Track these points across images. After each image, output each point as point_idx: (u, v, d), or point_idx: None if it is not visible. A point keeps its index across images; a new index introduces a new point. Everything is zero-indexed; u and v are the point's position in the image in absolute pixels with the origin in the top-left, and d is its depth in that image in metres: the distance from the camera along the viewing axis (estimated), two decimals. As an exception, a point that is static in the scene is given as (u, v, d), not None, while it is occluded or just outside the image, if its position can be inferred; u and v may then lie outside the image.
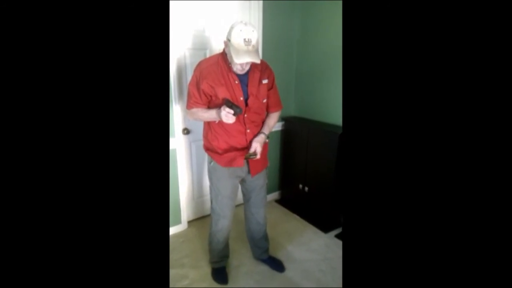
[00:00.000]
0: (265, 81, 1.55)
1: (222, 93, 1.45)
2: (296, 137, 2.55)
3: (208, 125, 1.61)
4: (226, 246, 1.90)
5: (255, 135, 1.59)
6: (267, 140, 1.63)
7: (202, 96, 1.49)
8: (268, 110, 1.66)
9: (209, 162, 1.67)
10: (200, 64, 1.51)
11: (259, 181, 1.75)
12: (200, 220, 2.51)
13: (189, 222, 2.46)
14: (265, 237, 1.97)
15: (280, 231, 2.38)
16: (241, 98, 1.48)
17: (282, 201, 2.84)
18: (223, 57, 1.46)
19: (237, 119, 1.44)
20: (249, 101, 1.50)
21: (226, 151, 1.58)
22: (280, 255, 2.09)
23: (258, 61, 1.35)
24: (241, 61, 1.32)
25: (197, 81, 1.48)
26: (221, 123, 1.45)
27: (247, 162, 1.61)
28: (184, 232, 2.36)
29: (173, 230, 2.33)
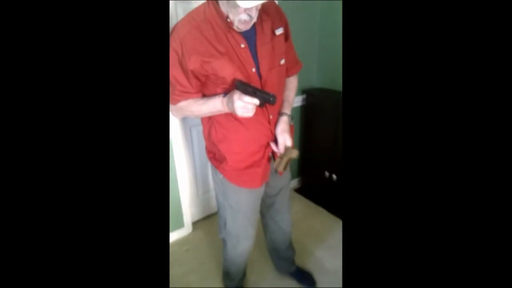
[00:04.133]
0: (279, 31, 1.00)
1: (224, 69, 0.92)
2: (321, 113, 2.04)
3: (209, 119, 1.08)
4: (246, 264, 1.48)
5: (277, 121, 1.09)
6: (291, 123, 1.14)
7: (193, 80, 0.95)
8: (287, 75, 1.13)
9: (216, 172, 1.18)
10: (177, 30, 0.92)
11: (285, 178, 1.29)
12: (207, 220, 2.09)
13: (194, 224, 2.04)
14: (291, 245, 1.55)
15: (304, 230, 1.95)
16: (253, 70, 0.96)
17: (303, 191, 2.39)
18: (215, 9, 0.90)
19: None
20: (263, 70, 0.98)
21: (244, 163, 1.08)
22: (308, 264, 1.68)
23: None
24: (250, 5, 0.78)
25: (179, 60, 0.92)
26: (231, 113, 0.95)
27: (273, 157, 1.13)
28: (188, 238, 1.94)
29: (174, 236, 1.91)
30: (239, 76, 0.94)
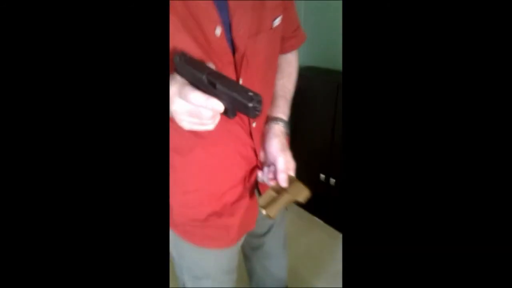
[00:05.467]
0: None
1: None
2: (314, 99, 1.58)
3: None
4: None
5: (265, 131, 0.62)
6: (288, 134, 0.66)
7: None
8: (282, 49, 0.66)
9: None
10: None
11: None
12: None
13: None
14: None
15: (298, 252, 1.53)
16: (218, 32, 0.46)
17: (293, 195, 1.95)
18: None
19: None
20: (238, 34, 0.49)
21: (204, 209, 0.61)
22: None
23: None
24: None
25: None
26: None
27: (258, 191, 0.66)
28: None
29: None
30: (189, 47, 0.45)
